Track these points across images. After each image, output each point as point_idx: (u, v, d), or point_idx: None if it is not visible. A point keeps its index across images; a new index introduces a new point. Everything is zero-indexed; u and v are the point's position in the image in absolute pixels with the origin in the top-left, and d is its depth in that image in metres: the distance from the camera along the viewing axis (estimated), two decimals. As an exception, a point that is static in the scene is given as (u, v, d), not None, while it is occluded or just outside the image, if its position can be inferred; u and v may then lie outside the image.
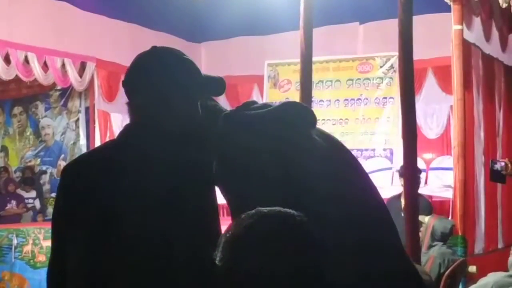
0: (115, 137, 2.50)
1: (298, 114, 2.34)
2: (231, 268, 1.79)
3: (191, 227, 2.29)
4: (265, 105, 2.38)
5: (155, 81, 2.34)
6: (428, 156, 11.47)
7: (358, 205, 2.19)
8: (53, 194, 14.05)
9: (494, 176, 7.92)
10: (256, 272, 1.74)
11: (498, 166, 7.83)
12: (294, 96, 9.43)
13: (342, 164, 2.33)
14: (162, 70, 2.36)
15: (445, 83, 10.57)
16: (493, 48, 8.75)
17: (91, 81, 12.06)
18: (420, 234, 6.63)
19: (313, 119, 2.34)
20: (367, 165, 11.38)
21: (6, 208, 13.19)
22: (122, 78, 2.45)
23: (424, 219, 7.03)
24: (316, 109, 11.18)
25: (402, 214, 5.85)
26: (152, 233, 2.22)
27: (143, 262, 2.21)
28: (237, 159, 2.23)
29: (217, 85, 2.53)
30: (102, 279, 2.22)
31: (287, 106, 2.40)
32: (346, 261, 2.00)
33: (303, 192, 2.09)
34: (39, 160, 15.11)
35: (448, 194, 9.23)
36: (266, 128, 2.23)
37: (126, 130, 2.41)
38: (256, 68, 12.79)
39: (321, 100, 11.89)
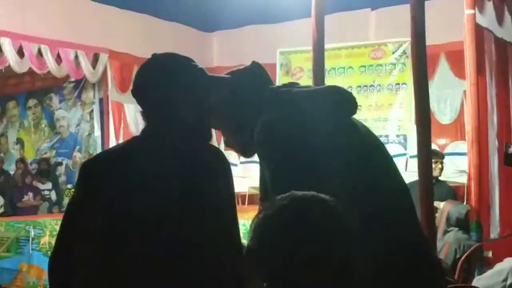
0: (134, 135, 2.57)
1: (344, 99, 2.44)
2: (260, 249, 1.82)
3: (203, 227, 2.33)
4: (309, 87, 2.53)
5: (158, 89, 2.40)
6: (442, 141, 11.43)
7: (387, 195, 2.27)
8: (69, 186, 14.14)
9: (508, 160, 7.90)
10: (285, 253, 1.77)
11: (512, 149, 7.81)
12: (307, 83, 9.41)
13: (374, 150, 2.40)
14: (166, 74, 2.42)
15: (458, 68, 10.52)
16: (506, 32, 8.70)
17: (104, 72, 12.09)
18: (436, 220, 6.65)
19: (356, 105, 2.47)
20: (381, 152, 11.38)
21: (23, 200, 13.27)
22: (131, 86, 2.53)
23: (439, 204, 7.04)
24: (329, 96, 11.17)
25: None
26: (164, 234, 2.26)
27: (156, 261, 2.24)
28: (280, 131, 2.29)
29: (225, 84, 2.62)
30: (113, 276, 2.25)
31: (334, 89, 2.50)
32: (371, 249, 2.02)
33: (336, 176, 2.15)
34: (54, 152, 15.19)
35: (463, 179, 9.21)
36: (312, 106, 2.31)
37: (142, 132, 2.48)
38: (268, 56, 12.75)
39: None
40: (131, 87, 2.49)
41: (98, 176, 2.33)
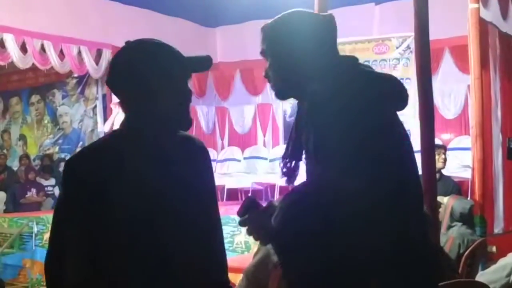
0: (115, 129, 2.52)
1: (401, 90, 2.43)
2: (282, 230, 1.99)
3: (189, 220, 2.34)
4: (369, 67, 2.45)
5: (136, 75, 2.34)
6: (446, 136, 11.42)
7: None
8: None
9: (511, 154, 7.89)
10: (303, 235, 1.84)
11: (515, 144, 7.80)
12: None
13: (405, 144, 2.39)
14: (141, 63, 2.36)
15: (462, 63, 10.52)
16: (510, 27, 8.67)
17: (107, 68, 12.08)
18: (439, 214, 6.63)
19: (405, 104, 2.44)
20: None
21: (27, 196, 13.28)
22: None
23: (443, 199, 7.01)
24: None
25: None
26: (149, 225, 2.26)
27: (139, 251, 2.25)
28: (335, 105, 2.23)
29: (200, 63, 2.49)
30: (101, 267, 2.25)
31: (394, 78, 2.48)
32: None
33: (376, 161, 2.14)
34: (57, 148, 15.21)
35: (467, 174, 9.20)
36: (368, 88, 2.28)
37: (122, 124, 2.43)
38: (272, 51, 12.75)
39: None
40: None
41: (83, 172, 2.29)
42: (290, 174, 2.52)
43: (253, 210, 2.34)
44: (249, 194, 2.58)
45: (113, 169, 2.26)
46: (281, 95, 2.55)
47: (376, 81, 2.35)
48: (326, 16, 2.53)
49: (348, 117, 2.14)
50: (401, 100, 2.42)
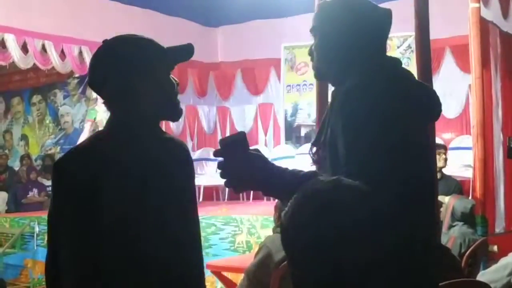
0: (100, 129, 2.52)
1: (437, 105, 2.41)
2: (288, 225, 1.91)
3: (172, 220, 2.35)
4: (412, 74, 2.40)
5: (114, 73, 2.32)
6: (447, 136, 11.41)
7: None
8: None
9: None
10: (309, 233, 1.83)
11: (516, 143, 7.82)
12: (312, 79, 9.42)
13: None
14: (119, 60, 2.34)
15: (463, 62, 10.52)
16: (511, 26, 8.68)
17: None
18: (441, 214, 6.63)
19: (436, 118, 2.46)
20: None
21: (28, 196, 13.28)
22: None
23: (444, 199, 7.01)
24: (334, 90, 11.17)
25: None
26: (136, 226, 2.26)
27: (126, 251, 2.26)
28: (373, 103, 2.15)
29: (182, 52, 2.44)
30: (93, 271, 2.25)
31: (433, 91, 2.45)
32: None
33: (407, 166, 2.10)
34: (59, 148, 15.22)
35: (468, 173, 9.19)
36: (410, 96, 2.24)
37: (108, 122, 2.42)
38: (273, 51, 12.78)
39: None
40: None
41: (71, 174, 2.28)
42: (322, 161, 2.40)
43: (234, 150, 2.02)
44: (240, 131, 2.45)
45: (100, 169, 2.25)
46: (320, 76, 2.51)
47: (418, 90, 2.31)
48: (386, 10, 2.44)
49: (380, 120, 2.09)
50: (434, 114, 2.41)
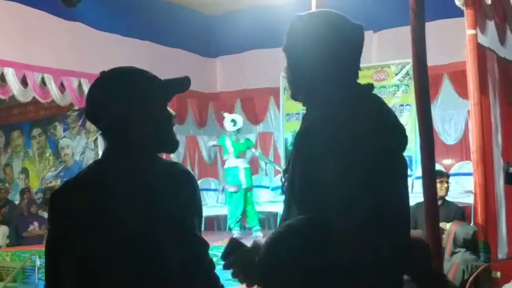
0: (96, 159, 2.51)
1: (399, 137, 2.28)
2: (263, 262, 2.00)
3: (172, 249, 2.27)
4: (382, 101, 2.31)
5: (110, 105, 2.32)
6: (447, 162, 11.42)
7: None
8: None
9: (510, 179, 7.88)
10: (284, 269, 1.85)
11: (514, 168, 7.81)
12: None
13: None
14: (115, 92, 2.35)
15: (461, 88, 10.54)
16: (508, 52, 8.71)
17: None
18: (442, 241, 6.61)
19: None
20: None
21: (29, 229, 13.24)
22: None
23: (446, 225, 7.00)
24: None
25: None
26: (133, 260, 2.23)
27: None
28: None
29: (178, 85, 2.44)
30: None
31: (400, 128, 2.30)
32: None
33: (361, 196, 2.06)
34: (59, 180, 15.19)
35: (469, 199, 9.18)
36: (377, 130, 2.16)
37: (104, 152, 2.42)
38: (272, 80, 12.81)
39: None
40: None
41: (67, 205, 2.29)
42: (286, 192, 2.41)
43: (237, 251, 2.27)
44: (233, 236, 2.57)
45: (96, 201, 2.24)
46: (292, 97, 2.44)
47: (380, 124, 2.19)
48: (357, 26, 2.38)
49: (336, 161, 2.06)
50: (397, 148, 2.26)
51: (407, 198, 2.26)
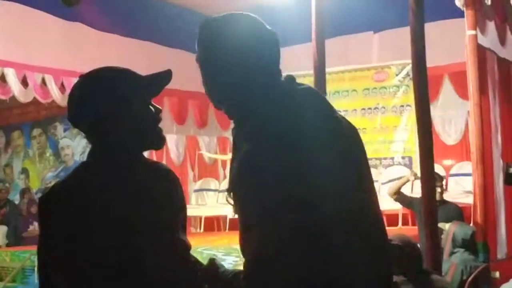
0: (83, 161, 2.47)
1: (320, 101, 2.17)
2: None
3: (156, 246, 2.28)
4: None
5: (90, 107, 2.30)
6: (447, 162, 11.42)
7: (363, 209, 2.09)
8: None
9: (509, 179, 7.89)
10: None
11: (513, 169, 7.83)
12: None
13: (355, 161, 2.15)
14: (94, 93, 2.32)
15: (462, 89, 10.54)
16: (508, 52, 8.72)
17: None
18: (441, 241, 6.62)
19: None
20: (387, 174, 11.37)
21: (29, 229, 13.25)
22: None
23: (445, 226, 7.00)
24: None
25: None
26: (124, 254, 2.22)
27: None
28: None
29: (160, 79, 2.38)
30: None
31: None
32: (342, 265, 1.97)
33: (313, 190, 1.97)
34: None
35: (469, 200, 9.18)
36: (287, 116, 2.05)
37: (89, 154, 2.41)
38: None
39: (338, 110, 11.71)
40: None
41: (56, 208, 2.29)
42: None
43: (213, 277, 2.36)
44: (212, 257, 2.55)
45: (84, 202, 2.24)
46: (216, 107, 2.29)
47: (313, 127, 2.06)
48: (271, 33, 2.23)
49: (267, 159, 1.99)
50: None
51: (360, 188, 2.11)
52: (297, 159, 1.98)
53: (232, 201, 2.12)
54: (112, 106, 2.29)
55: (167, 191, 2.37)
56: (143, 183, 2.31)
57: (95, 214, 2.22)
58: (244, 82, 2.14)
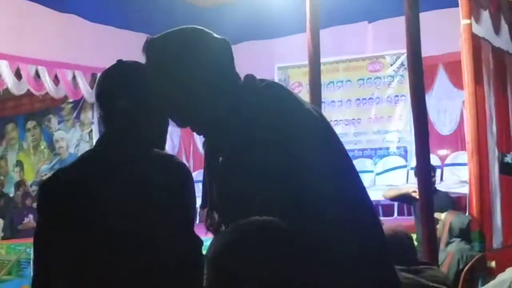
0: (90, 148, 2.47)
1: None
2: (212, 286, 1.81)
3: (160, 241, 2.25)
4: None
5: (134, 88, 2.29)
6: (443, 152, 11.43)
7: (354, 205, 2.04)
8: (70, 207, 14.12)
9: (504, 168, 7.89)
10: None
11: (508, 158, 7.80)
12: (306, 97, 9.43)
13: (340, 156, 2.10)
14: (139, 78, 2.26)
15: (456, 79, 10.53)
16: (502, 41, 8.71)
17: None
18: (437, 231, 6.61)
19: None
20: (382, 164, 11.37)
21: (24, 222, 13.22)
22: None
23: (441, 216, 7.00)
24: (328, 110, 11.18)
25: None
26: (123, 248, 2.20)
27: (122, 272, 2.21)
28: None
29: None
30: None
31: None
32: (335, 264, 1.92)
33: (303, 189, 1.94)
34: (54, 173, 15.17)
35: (464, 189, 9.19)
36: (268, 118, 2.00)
37: (101, 140, 2.40)
38: (266, 72, 12.74)
39: (333, 101, 11.91)
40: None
41: (56, 195, 2.28)
42: (217, 228, 2.30)
43: None
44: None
45: (85, 191, 2.23)
46: (180, 127, 2.27)
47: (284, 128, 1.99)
48: (222, 43, 2.23)
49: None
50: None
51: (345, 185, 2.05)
52: (284, 159, 1.95)
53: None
54: (146, 102, 2.27)
55: (170, 184, 2.32)
56: (150, 175, 2.27)
57: (95, 202, 2.21)
58: (207, 98, 2.08)
